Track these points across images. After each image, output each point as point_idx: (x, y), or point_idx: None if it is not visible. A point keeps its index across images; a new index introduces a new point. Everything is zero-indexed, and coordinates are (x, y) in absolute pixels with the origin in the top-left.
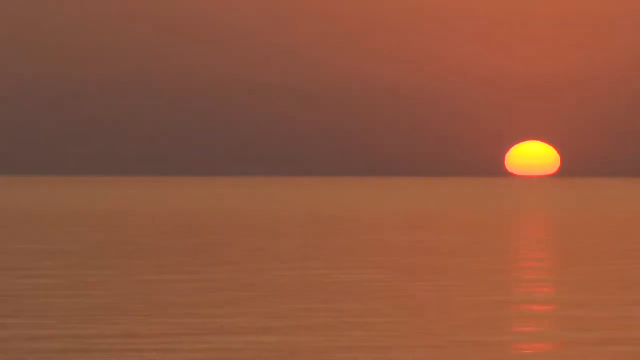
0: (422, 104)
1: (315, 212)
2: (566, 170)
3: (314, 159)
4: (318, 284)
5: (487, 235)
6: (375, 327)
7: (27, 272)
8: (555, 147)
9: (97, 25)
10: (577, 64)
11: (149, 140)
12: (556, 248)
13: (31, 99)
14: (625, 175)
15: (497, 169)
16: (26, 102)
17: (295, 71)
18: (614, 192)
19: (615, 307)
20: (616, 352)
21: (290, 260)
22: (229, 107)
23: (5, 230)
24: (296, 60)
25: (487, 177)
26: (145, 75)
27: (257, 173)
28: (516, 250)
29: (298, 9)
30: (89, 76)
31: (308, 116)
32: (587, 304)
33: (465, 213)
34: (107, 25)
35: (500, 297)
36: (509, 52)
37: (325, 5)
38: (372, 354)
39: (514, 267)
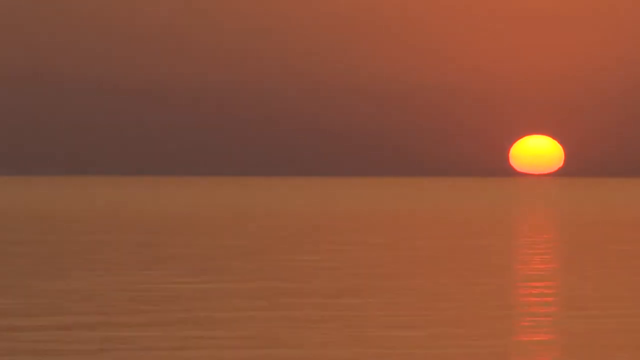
0: (422, 101)
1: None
2: (571, 165)
3: (315, 159)
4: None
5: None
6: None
7: None
8: (560, 141)
9: (96, 26)
10: (579, 61)
11: (149, 140)
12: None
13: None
14: (631, 174)
15: (501, 164)
16: (28, 101)
17: (295, 71)
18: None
19: None
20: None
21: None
22: (226, 107)
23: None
24: (295, 61)
25: (491, 175)
26: (146, 75)
27: (257, 173)
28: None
29: (295, 8)
30: (89, 76)
31: (309, 116)
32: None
33: (470, 215)
34: (108, 26)
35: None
36: (513, 48)
37: (325, 6)
38: None
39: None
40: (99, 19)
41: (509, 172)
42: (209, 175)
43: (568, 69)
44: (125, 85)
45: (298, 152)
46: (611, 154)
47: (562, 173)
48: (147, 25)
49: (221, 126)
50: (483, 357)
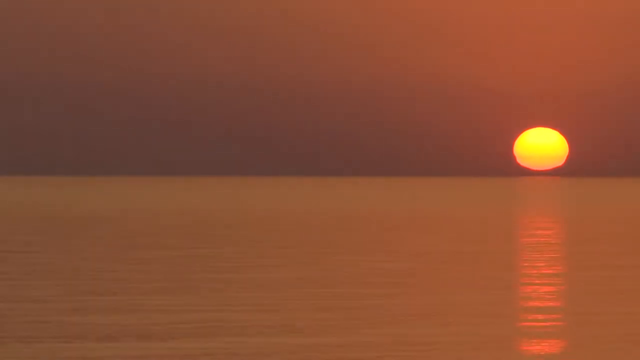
0: (424, 101)
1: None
2: (575, 159)
3: (316, 160)
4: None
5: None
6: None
7: None
8: (563, 133)
9: (97, 26)
10: (580, 56)
11: (151, 140)
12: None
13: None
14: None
15: (506, 161)
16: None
17: (298, 72)
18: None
19: None
20: None
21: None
22: (228, 108)
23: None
24: (296, 62)
25: (496, 173)
26: (148, 75)
27: (258, 173)
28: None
29: (289, 8)
30: (90, 76)
31: (311, 117)
32: None
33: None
34: (109, 26)
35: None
36: (515, 45)
37: (321, 7)
38: None
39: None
40: (99, 24)
41: (514, 169)
42: (217, 176)
43: (569, 63)
44: (131, 88)
45: (303, 152)
46: (620, 150)
47: (566, 168)
48: (146, 26)
49: (226, 126)
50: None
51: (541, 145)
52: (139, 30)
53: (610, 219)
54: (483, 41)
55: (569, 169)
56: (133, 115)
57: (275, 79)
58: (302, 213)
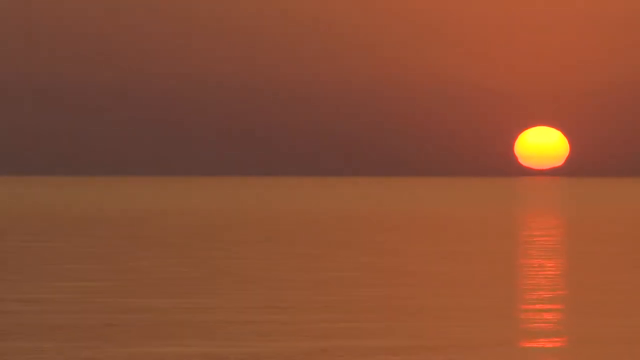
0: (424, 101)
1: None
2: (575, 159)
3: (317, 160)
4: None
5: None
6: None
7: None
8: (564, 132)
9: (97, 26)
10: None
11: (152, 140)
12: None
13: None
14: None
15: (506, 157)
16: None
17: (298, 72)
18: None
19: None
20: None
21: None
22: (228, 108)
23: None
24: (296, 62)
25: (497, 172)
26: (148, 75)
27: (258, 173)
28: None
29: (286, 9)
30: (91, 76)
31: (311, 117)
32: None
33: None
34: (107, 26)
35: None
36: (519, 48)
37: (318, 10)
38: None
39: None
40: (99, 24)
41: (515, 169)
42: (218, 176)
43: (569, 63)
44: (132, 89)
45: (298, 152)
46: (620, 150)
47: (567, 167)
48: (146, 26)
49: (227, 127)
50: None
51: (542, 145)
52: (139, 30)
53: (610, 219)
54: (483, 41)
55: (570, 169)
56: (133, 115)
57: (275, 79)
58: (302, 213)
